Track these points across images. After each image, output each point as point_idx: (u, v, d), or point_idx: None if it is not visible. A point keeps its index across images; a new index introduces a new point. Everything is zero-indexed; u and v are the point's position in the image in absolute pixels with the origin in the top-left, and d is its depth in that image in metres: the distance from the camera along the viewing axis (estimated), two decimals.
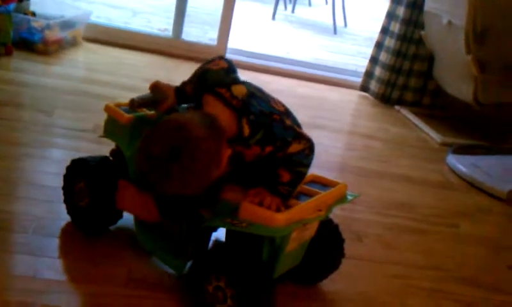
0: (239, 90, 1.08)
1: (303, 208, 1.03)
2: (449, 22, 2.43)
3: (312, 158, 1.08)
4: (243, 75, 1.17)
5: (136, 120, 1.18)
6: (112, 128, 1.22)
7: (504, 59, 2.74)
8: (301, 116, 1.18)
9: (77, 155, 1.28)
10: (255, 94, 1.10)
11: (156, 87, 1.19)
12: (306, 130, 1.13)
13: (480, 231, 1.80)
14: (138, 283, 1.14)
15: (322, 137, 2.21)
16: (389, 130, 2.66)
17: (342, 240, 1.24)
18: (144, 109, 1.21)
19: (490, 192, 2.09)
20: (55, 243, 1.22)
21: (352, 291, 1.30)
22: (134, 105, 1.18)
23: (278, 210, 1.01)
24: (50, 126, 1.78)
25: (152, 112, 1.22)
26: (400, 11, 2.87)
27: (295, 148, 1.05)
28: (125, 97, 1.20)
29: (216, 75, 1.12)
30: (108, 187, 1.21)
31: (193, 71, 1.20)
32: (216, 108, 1.05)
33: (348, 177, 1.96)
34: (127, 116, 1.18)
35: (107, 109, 1.22)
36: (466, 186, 2.15)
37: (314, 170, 1.17)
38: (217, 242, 1.28)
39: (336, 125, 2.46)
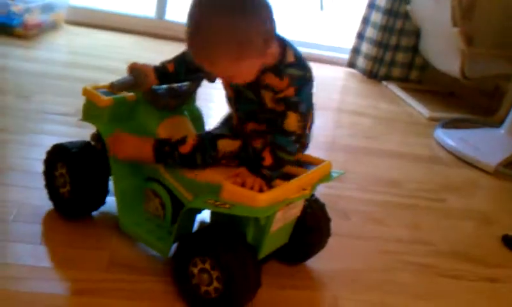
0: None
1: (286, 187, 1.02)
2: None
3: (296, 149, 1.05)
4: None
5: (114, 103, 1.16)
6: (90, 111, 1.18)
7: (491, 32, 2.73)
8: None
9: (57, 140, 1.25)
10: None
11: (134, 68, 1.17)
12: None
13: (469, 205, 1.80)
14: (120, 267, 1.12)
15: None
16: (377, 106, 2.64)
17: (329, 220, 1.23)
18: (124, 92, 1.19)
19: (478, 166, 2.09)
20: (36, 229, 1.19)
21: (340, 268, 1.29)
22: (114, 89, 1.15)
23: (260, 190, 0.99)
24: (30, 111, 1.75)
25: (131, 94, 1.19)
26: None
27: (292, 119, 1.01)
28: (107, 80, 1.18)
29: None
30: (90, 173, 1.19)
31: (176, 51, 1.18)
32: None
33: (336, 155, 1.95)
34: (105, 98, 1.15)
35: (85, 92, 1.18)
36: (454, 160, 2.15)
37: None
38: (202, 224, 1.27)
39: (323, 103, 2.44)
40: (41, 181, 1.27)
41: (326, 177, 1.13)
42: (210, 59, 0.97)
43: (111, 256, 1.15)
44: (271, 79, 1.02)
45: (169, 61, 1.19)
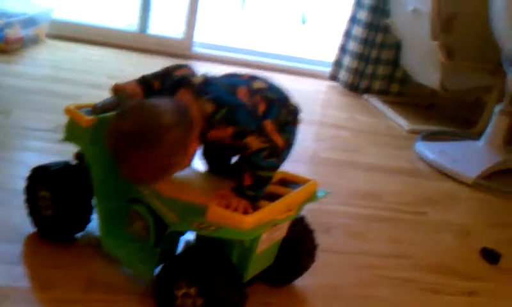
0: (197, 79, 1.10)
1: (272, 208, 1.02)
2: (414, 9, 2.44)
3: (273, 162, 1.05)
4: (211, 68, 1.15)
5: (97, 123, 1.15)
6: (73, 131, 1.18)
7: (472, 45, 2.78)
8: None
9: (38, 156, 1.24)
10: (216, 78, 1.12)
11: (118, 89, 1.15)
12: None
13: (449, 218, 1.83)
14: (100, 287, 1.12)
15: None
16: (358, 119, 2.67)
17: (315, 246, 1.24)
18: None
19: (458, 178, 2.13)
20: (12, 249, 1.17)
21: (321, 283, 1.30)
22: (97, 111, 1.15)
23: (245, 212, 0.99)
24: (10, 127, 1.73)
25: (114, 113, 1.18)
26: None
27: (254, 142, 1.03)
28: (90, 95, 1.17)
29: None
30: (74, 196, 1.18)
31: (159, 65, 1.19)
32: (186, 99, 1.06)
33: (317, 168, 1.96)
34: (88, 118, 1.14)
35: (67, 111, 1.17)
36: (434, 173, 2.18)
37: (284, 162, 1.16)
38: (187, 243, 1.26)
39: (305, 116, 2.42)
40: (17, 199, 1.26)
41: (312, 197, 1.14)
42: (141, 182, 1.10)
43: (90, 276, 1.14)
44: (212, 134, 1.05)
45: (154, 78, 1.17)
